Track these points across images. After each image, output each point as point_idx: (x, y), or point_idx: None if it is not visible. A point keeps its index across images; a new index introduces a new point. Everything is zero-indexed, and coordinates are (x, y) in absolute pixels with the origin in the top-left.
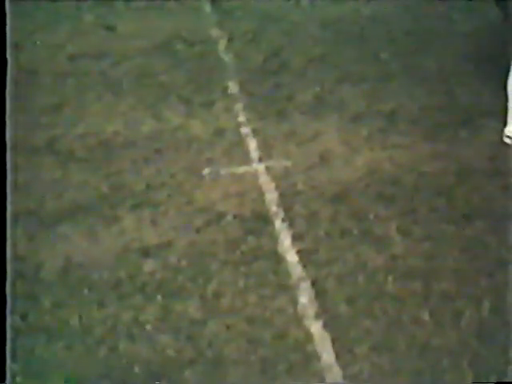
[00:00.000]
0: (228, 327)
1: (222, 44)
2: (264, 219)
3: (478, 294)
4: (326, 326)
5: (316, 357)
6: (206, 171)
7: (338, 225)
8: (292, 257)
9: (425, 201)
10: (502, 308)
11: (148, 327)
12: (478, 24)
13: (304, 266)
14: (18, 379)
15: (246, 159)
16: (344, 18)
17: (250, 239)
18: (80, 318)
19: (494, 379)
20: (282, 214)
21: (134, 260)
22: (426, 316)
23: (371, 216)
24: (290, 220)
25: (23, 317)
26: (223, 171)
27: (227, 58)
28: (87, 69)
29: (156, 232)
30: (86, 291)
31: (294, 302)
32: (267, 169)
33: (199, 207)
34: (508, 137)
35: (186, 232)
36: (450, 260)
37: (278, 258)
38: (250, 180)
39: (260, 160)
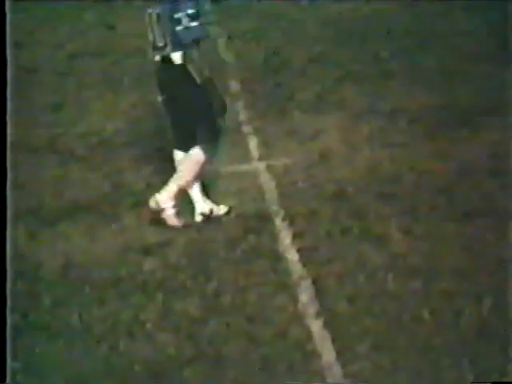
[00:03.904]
0: (228, 326)
1: (222, 43)
2: (264, 217)
3: (478, 293)
4: (326, 324)
5: (316, 355)
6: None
7: (338, 223)
8: (292, 255)
9: (425, 199)
10: (503, 306)
11: (148, 326)
12: (479, 23)
13: (304, 265)
14: (18, 377)
15: (246, 157)
16: (344, 16)
17: (251, 237)
18: (80, 316)
19: (494, 378)
20: (282, 213)
21: (135, 258)
22: (426, 315)
23: (371, 214)
24: (290, 218)
25: (23, 315)
26: (224, 169)
27: (228, 56)
28: (88, 67)
29: (156, 230)
30: (86, 290)
31: (295, 300)
32: (268, 167)
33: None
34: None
35: (186, 230)
36: (451, 258)
37: (278, 257)
38: (250, 178)
39: (260, 158)
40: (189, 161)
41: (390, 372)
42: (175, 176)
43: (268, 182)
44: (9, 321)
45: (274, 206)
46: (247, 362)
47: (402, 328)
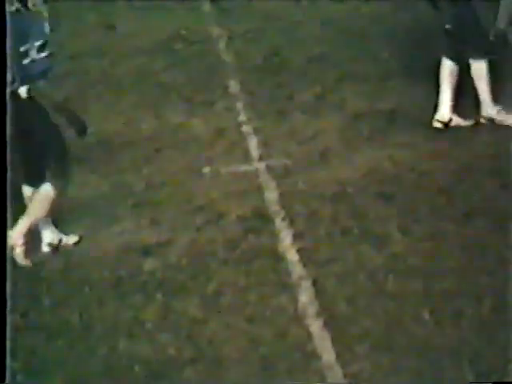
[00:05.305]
0: (228, 326)
1: (222, 43)
2: (264, 218)
3: (478, 293)
4: (326, 324)
5: (316, 356)
6: (206, 170)
7: (338, 224)
8: (292, 256)
9: (425, 200)
10: (503, 307)
11: (148, 326)
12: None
13: (304, 265)
14: (18, 378)
15: (246, 158)
16: (344, 16)
17: (251, 238)
18: (80, 316)
19: (494, 378)
20: (282, 213)
21: (134, 259)
22: (426, 315)
23: (371, 215)
24: (290, 219)
25: (23, 315)
26: (223, 170)
27: (227, 57)
28: (87, 68)
29: (156, 231)
30: (86, 290)
31: (295, 300)
32: (267, 168)
33: (199, 206)
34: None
35: (186, 231)
36: (451, 259)
37: (278, 257)
38: (250, 179)
39: (260, 159)
40: (39, 198)
41: (390, 372)
42: (26, 213)
43: (268, 183)
44: (9, 321)
45: (273, 207)
46: (247, 363)
47: (402, 328)
